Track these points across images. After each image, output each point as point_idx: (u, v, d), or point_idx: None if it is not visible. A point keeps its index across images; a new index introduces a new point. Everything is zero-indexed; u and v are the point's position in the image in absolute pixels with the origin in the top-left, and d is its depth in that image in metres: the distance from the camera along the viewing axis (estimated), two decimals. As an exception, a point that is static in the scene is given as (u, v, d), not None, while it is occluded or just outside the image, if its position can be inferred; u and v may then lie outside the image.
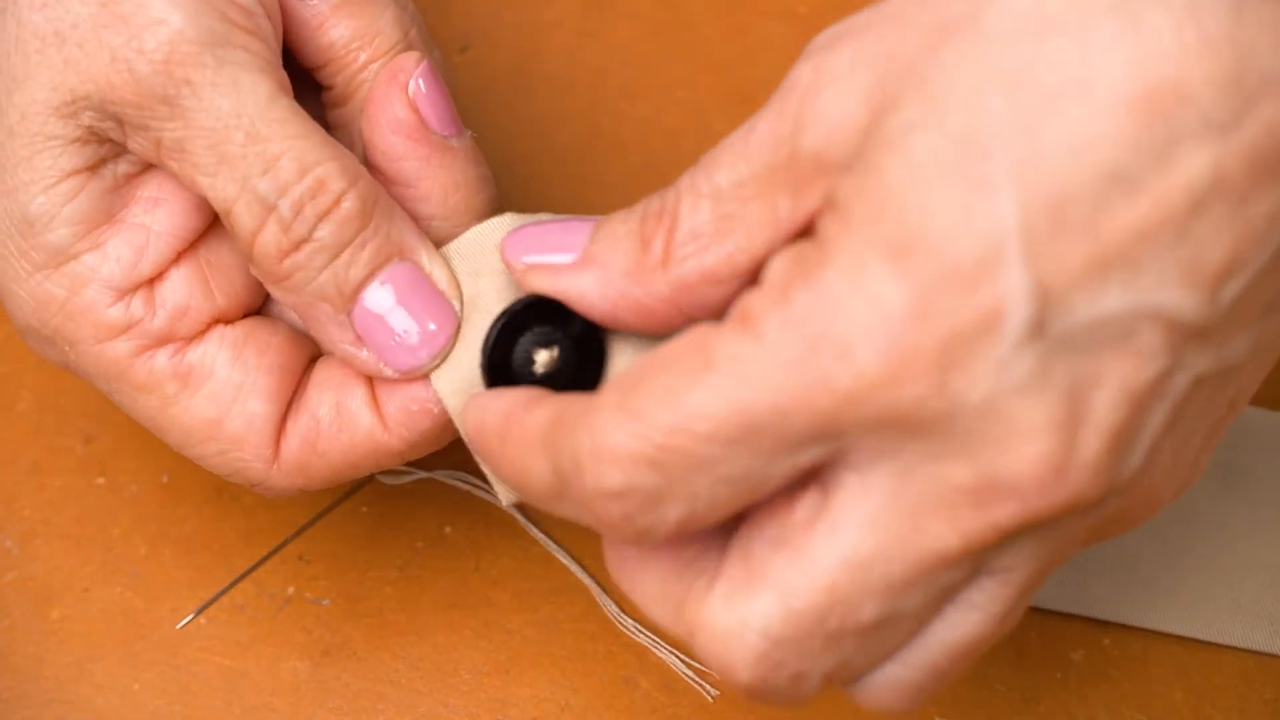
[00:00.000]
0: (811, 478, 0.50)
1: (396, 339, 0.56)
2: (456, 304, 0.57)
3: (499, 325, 0.55)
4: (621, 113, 0.74)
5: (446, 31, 0.75)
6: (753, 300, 0.49)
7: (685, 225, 0.51)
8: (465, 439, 0.56)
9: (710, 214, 0.51)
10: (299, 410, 0.59)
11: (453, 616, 0.65)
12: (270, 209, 0.55)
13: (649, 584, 0.52)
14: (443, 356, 0.57)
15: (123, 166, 0.58)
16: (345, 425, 0.58)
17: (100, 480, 0.67)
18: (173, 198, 0.58)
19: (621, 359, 0.56)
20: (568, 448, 0.50)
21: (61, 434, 0.68)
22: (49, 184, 0.57)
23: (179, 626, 0.65)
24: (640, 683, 0.64)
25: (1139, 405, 0.47)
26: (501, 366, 0.56)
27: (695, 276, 0.52)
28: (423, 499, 0.67)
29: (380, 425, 0.58)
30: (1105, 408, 0.47)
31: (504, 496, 0.56)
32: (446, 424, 0.58)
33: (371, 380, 0.58)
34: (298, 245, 0.56)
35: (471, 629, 0.65)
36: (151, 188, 0.58)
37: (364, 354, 0.57)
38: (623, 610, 0.65)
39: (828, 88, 0.49)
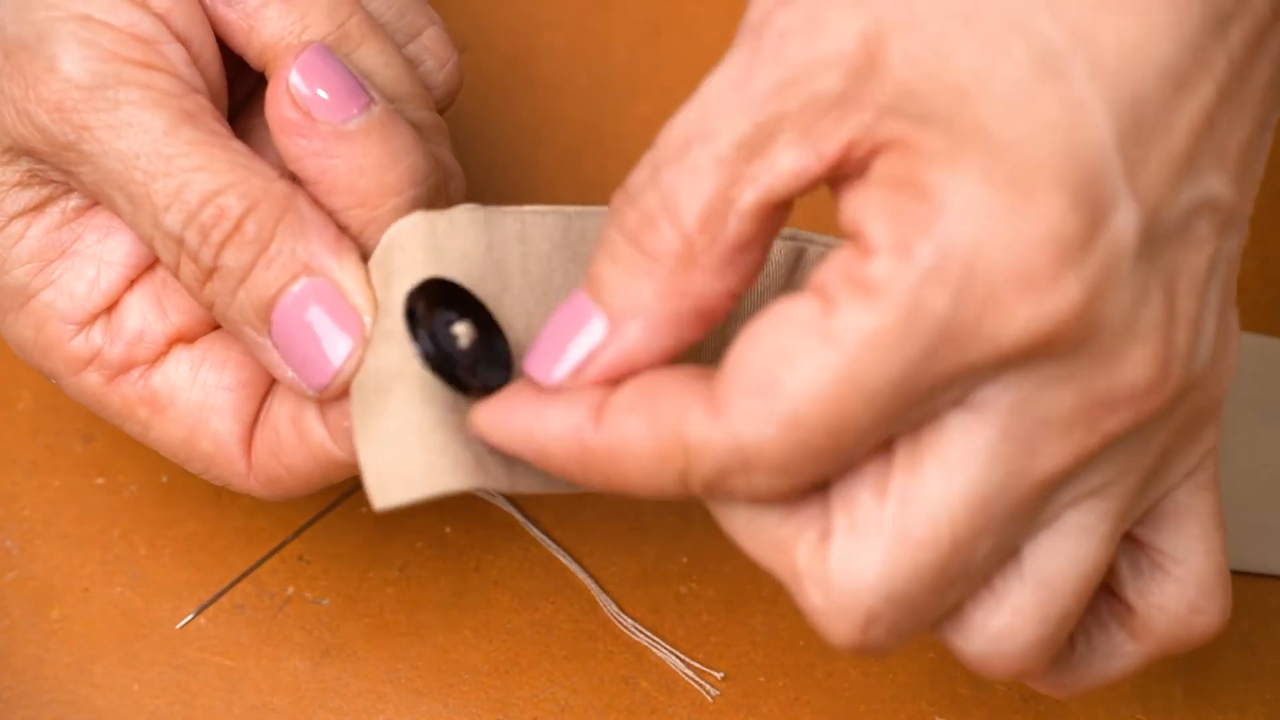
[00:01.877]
0: None
1: (308, 356, 0.55)
2: (367, 316, 0.55)
3: (412, 310, 0.54)
4: (621, 113, 0.74)
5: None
6: (865, 267, 0.47)
7: (688, 213, 0.49)
8: (370, 465, 0.54)
9: (714, 186, 0.49)
10: (264, 423, 0.59)
11: (453, 617, 0.65)
12: (180, 242, 0.55)
13: (748, 522, 0.51)
14: (351, 372, 0.55)
15: (73, 201, 0.58)
16: (302, 439, 0.58)
17: (100, 480, 0.67)
18: (123, 228, 0.58)
19: (518, 321, 0.55)
20: (706, 462, 0.49)
21: (61, 434, 0.68)
22: None
23: (179, 626, 0.65)
24: (640, 683, 0.64)
25: (1202, 290, 0.49)
26: (436, 350, 0.54)
27: (731, 251, 0.50)
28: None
29: (330, 439, 0.57)
30: (1183, 298, 0.48)
31: (378, 500, 0.54)
32: None
33: None
34: (210, 274, 0.56)
35: (471, 629, 0.65)
36: (102, 218, 0.59)
37: (289, 374, 0.56)
38: (622, 610, 0.65)
39: (821, 30, 0.48)
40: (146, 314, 0.59)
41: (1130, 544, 0.54)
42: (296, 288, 0.55)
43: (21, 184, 0.58)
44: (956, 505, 0.48)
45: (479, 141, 0.73)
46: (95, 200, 0.58)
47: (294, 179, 0.58)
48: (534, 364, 0.52)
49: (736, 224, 0.49)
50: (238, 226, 0.55)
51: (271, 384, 0.59)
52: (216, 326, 0.59)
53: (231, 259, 0.55)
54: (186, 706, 0.63)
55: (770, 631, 0.65)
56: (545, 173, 0.73)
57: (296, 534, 0.66)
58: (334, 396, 0.56)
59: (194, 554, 0.66)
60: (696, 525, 0.67)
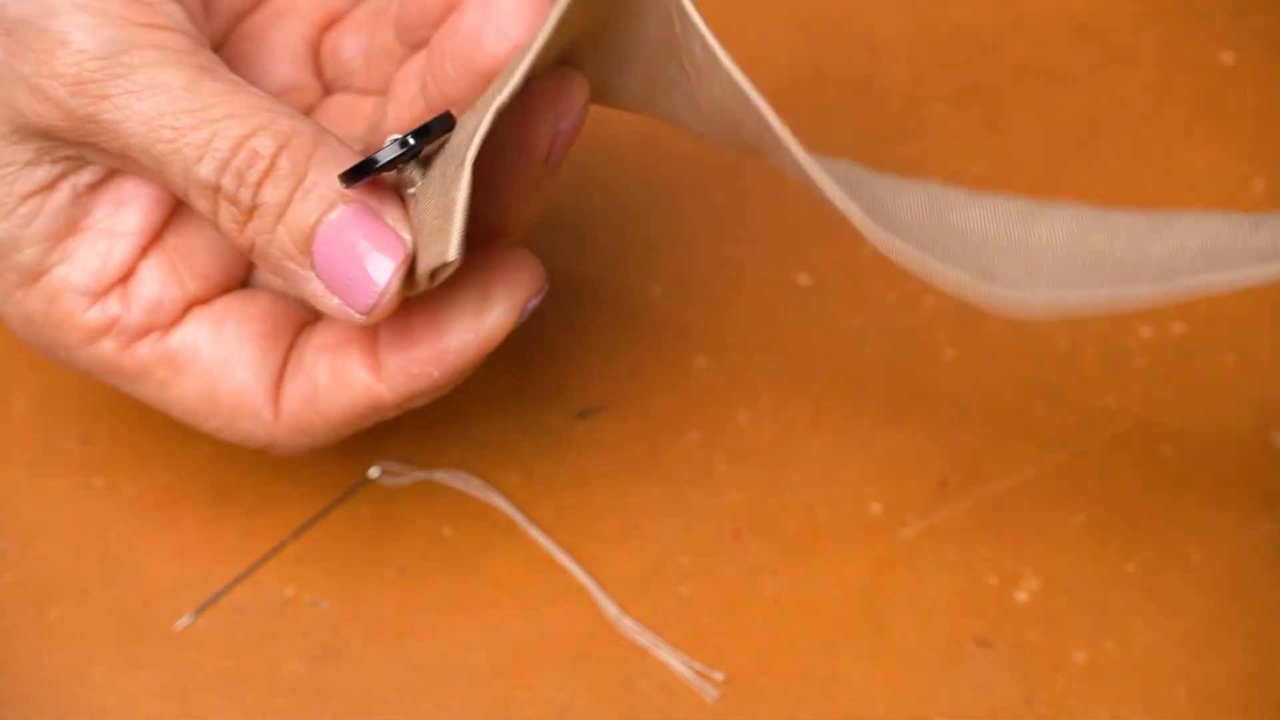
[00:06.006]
0: None
1: (351, 280, 0.56)
2: (406, 234, 0.56)
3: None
4: (621, 113, 0.74)
5: (446, 31, 0.74)
6: None
7: None
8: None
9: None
10: (297, 374, 0.60)
11: (452, 618, 0.65)
12: (217, 190, 0.56)
13: None
14: (395, 291, 0.56)
15: (85, 177, 0.59)
16: (343, 386, 0.59)
17: (98, 481, 0.67)
18: (134, 198, 0.59)
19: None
20: None
21: (59, 434, 0.68)
22: (7, 210, 0.58)
23: (177, 628, 0.65)
24: (640, 684, 0.64)
25: None
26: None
27: None
28: (422, 500, 0.67)
29: (374, 378, 0.59)
30: None
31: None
32: (444, 383, 0.58)
33: (372, 339, 0.59)
34: (250, 214, 0.56)
35: (471, 630, 0.65)
36: (112, 191, 0.59)
37: (335, 302, 0.57)
38: (623, 611, 0.65)
39: None
40: (164, 282, 0.60)
41: None
42: (334, 215, 0.56)
43: (32, 162, 0.58)
44: None
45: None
46: (110, 173, 0.59)
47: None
48: None
49: None
50: (273, 164, 0.56)
51: (297, 335, 0.60)
52: (232, 289, 0.61)
53: (269, 195, 0.56)
54: (185, 708, 0.63)
55: (771, 633, 0.65)
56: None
57: (295, 535, 0.66)
58: (380, 318, 0.57)
59: (192, 555, 0.66)
60: (697, 526, 0.67)
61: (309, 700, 0.64)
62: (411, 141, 0.55)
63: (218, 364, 0.60)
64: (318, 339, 0.60)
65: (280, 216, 0.56)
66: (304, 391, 0.59)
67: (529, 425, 0.69)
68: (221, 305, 0.60)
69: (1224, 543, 0.67)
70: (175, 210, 0.60)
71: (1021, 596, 0.66)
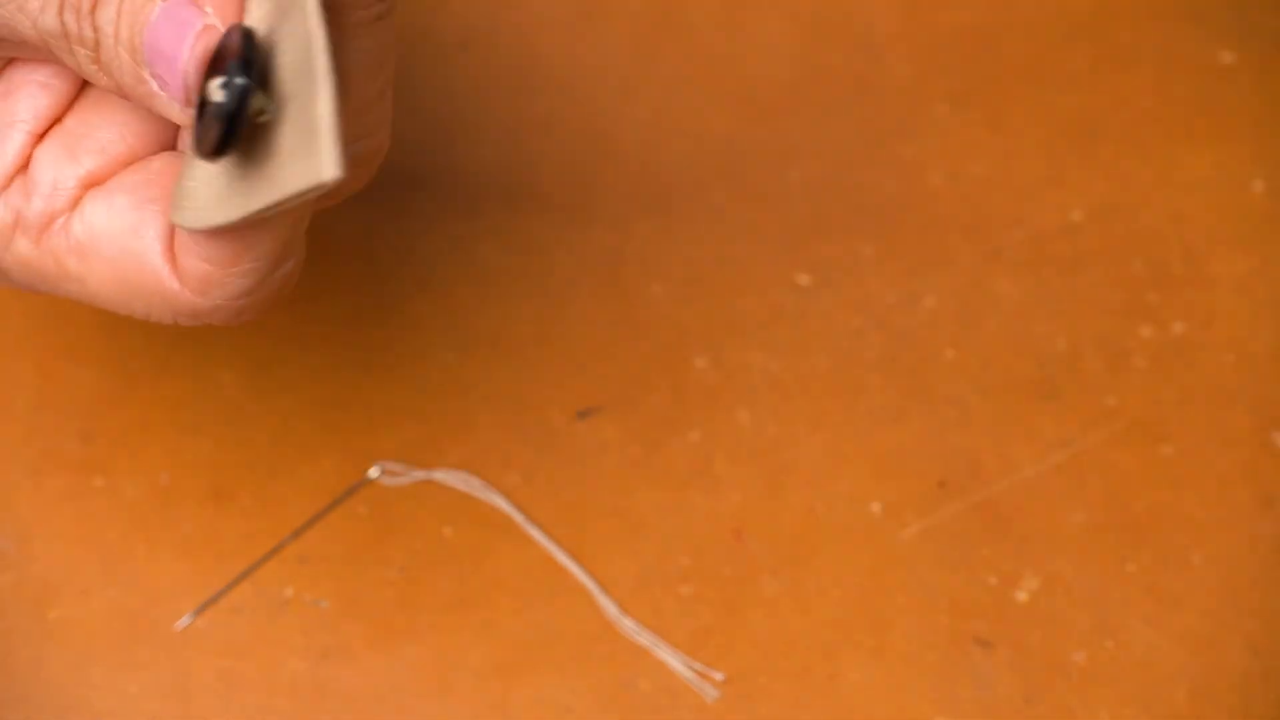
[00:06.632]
0: None
1: (169, 66, 0.55)
2: (209, 8, 0.55)
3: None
4: (621, 113, 0.74)
5: (445, 30, 0.75)
6: None
7: None
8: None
9: None
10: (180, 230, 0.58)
11: (452, 618, 0.65)
12: (66, 35, 0.56)
13: None
14: (199, 55, 0.55)
15: None
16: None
17: (98, 481, 0.67)
18: (23, 85, 0.58)
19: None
20: None
21: (59, 434, 0.68)
22: None
23: (177, 628, 0.65)
24: (640, 684, 0.64)
25: None
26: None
27: None
28: (422, 500, 0.67)
29: None
30: None
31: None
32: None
33: None
34: (97, 46, 0.56)
35: (471, 631, 0.65)
36: (1, 84, 0.58)
37: (177, 108, 0.56)
38: (623, 611, 0.65)
39: None
40: (58, 162, 0.58)
41: None
42: (154, 16, 0.55)
43: None
44: None
45: (479, 141, 0.73)
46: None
47: None
48: None
49: None
50: None
51: None
52: (129, 163, 0.59)
53: (102, 19, 0.56)
54: (185, 708, 0.63)
55: (771, 633, 0.65)
56: (546, 172, 0.73)
57: (295, 535, 0.66)
58: (190, 98, 0.55)
59: (193, 555, 0.66)
60: (697, 526, 0.67)
61: (309, 700, 0.64)
62: (240, 81, 0.52)
63: (116, 240, 0.57)
64: None
65: (116, 36, 0.56)
66: (194, 248, 0.56)
67: (529, 425, 0.69)
68: (114, 181, 0.58)
69: (1224, 543, 0.67)
70: (77, 93, 0.59)
71: (1021, 596, 0.66)
